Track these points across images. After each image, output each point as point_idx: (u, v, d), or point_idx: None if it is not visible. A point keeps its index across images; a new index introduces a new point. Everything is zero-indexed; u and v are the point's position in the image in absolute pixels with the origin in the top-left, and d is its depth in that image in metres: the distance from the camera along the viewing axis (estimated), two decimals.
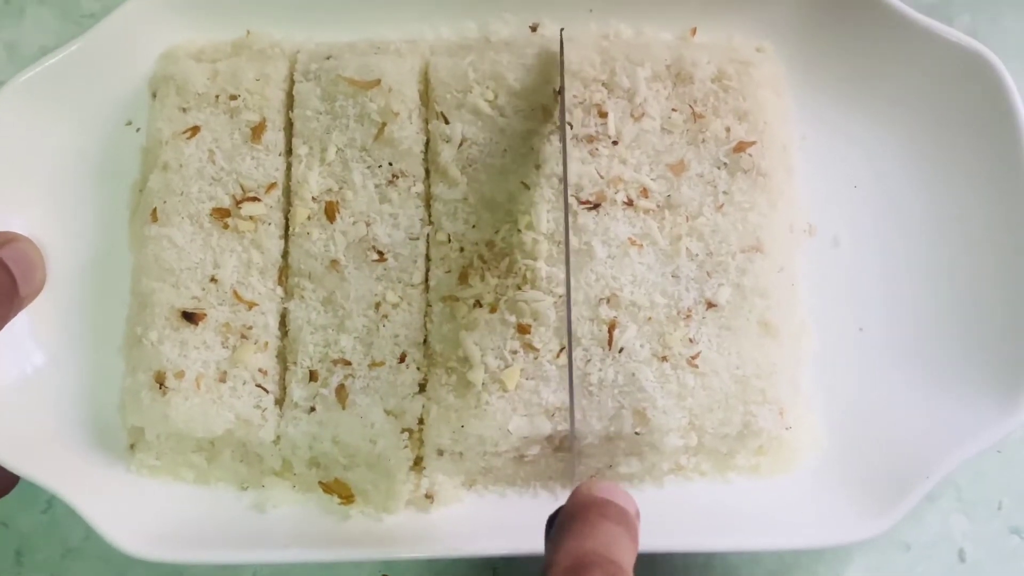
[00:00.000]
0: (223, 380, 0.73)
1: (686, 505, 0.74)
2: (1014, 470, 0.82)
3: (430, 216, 0.76)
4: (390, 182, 0.76)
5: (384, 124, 0.75)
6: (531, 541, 0.70)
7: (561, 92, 0.75)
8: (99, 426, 0.75)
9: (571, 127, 0.75)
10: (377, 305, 0.74)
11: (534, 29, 0.81)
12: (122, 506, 0.71)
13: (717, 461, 0.75)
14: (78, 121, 0.78)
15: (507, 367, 0.72)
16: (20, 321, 0.75)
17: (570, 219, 0.74)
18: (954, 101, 0.77)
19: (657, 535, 0.71)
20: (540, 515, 0.72)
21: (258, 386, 0.74)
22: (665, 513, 0.73)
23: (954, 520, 0.81)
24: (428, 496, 0.74)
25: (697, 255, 0.74)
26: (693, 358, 0.72)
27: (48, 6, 0.88)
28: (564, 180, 0.72)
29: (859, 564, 0.80)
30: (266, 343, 0.75)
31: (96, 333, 0.77)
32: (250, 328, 0.74)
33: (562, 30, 0.77)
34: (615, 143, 0.75)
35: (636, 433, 0.72)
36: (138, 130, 0.80)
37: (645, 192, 0.75)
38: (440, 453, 0.73)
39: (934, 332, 0.76)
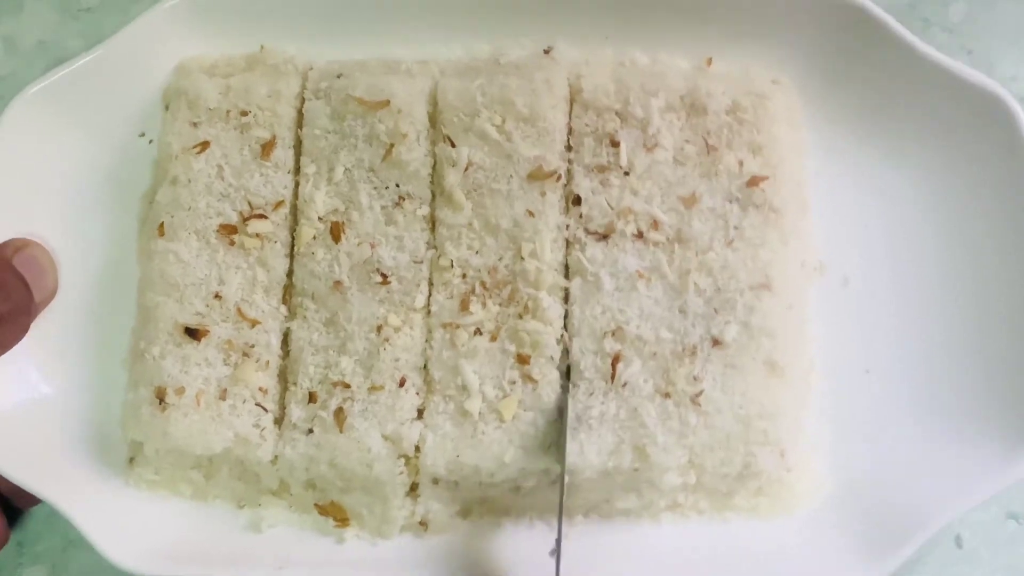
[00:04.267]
0: (223, 398, 0.73)
1: (682, 543, 0.73)
2: None
3: (436, 240, 0.75)
4: (396, 204, 0.75)
5: (392, 145, 0.75)
6: (527, 573, 0.70)
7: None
8: (101, 438, 0.76)
9: (570, 164, 0.74)
10: (379, 328, 0.73)
11: (547, 52, 0.79)
12: (119, 520, 0.72)
13: (715, 500, 0.74)
14: (91, 132, 0.78)
15: (505, 397, 0.71)
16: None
17: (578, 250, 0.73)
18: (969, 140, 0.75)
19: (654, 573, 0.71)
20: (536, 547, 0.72)
21: (258, 405, 0.74)
22: (661, 551, 0.73)
23: None
24: (423, 523, 0.73)
25: (705, 291, 0.73)
26: (696, 396, 0.71)
27: (46, 0, 0.88)
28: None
29: None
30: (267, 362, 0.74)
31: (102, 345, 0.77)
32: (252, 346, 0.74)
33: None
34: (627, 174, 0.74)
35: (635, 469, 0.70)
36: (151, 142, 0.80)
37: (655, 224, 0.74)
38: (435, 481, 0.72)
39: (940, 376, 0.75)
